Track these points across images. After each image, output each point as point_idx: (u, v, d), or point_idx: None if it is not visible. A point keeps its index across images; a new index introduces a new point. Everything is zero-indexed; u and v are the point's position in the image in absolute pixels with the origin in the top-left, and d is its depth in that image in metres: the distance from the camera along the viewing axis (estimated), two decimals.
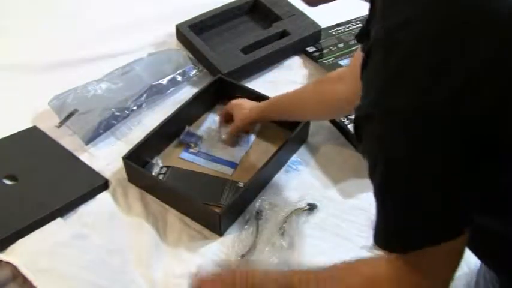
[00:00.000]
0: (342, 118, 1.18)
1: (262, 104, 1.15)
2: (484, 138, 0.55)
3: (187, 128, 1.20)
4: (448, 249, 0.61)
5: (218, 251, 1.00)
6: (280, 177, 1.13)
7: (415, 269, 0.63)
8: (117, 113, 1.21)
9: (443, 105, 0.54)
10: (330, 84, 1.05)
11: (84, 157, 1.15)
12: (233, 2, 1.50)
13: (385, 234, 0.64)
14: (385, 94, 0.57)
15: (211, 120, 1.25)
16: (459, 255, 0.63)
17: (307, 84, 1.28)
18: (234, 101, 1.19)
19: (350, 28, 1.49)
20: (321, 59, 1.38)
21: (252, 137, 1.21)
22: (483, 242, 0.72)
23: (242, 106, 1.17)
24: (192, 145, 1.18)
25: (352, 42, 1.43)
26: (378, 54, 0.58)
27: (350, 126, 1.17)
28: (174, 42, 1.44)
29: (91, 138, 1.18)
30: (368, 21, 0.71)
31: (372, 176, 0.62)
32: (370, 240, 0.97)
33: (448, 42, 0.54)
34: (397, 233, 0.63)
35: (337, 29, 1.49)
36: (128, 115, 1.23)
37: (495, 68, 0.53)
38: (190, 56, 1.39)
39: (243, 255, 0.98)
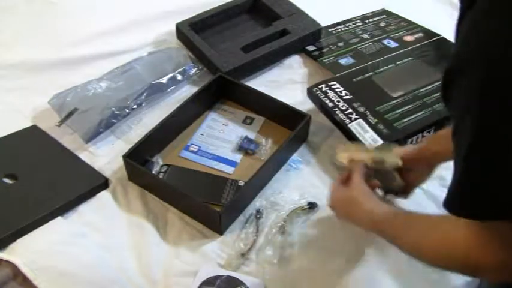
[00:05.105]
0: (342, 117, 1.18)
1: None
2: None
3: (245, 135, 1.18)
4: None
5: (218, 249, 1.00)
6: (281, 176, 1.13)
7: (492, 238, 0.63)
8: (117, 112, 1.21)
9: None
10: None
11: (84, 156, 1.15)
12: (233, 1, 1.50)
13: (462, 199, 0.63)
14: (487, 44, 0.55)
15: (210, 119, 1.25)
16: None
17: None
18: None
19: (350, 27, 1.49)
20: (321, 58, 1.38)
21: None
22: None
23: None
24: (250, 152, 1.15)
25: (352, 40, 1.43)
26: (482, 3, 0.56)
27: (350, 126, 1.16)
28: (174, 41, 1.44)
29: (91, 137, 1.18)
30: None
31: (458, 135, 0.61)
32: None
33: None
34: (474, 198, 0.61)
35: (337, 27, 1.49)
36: (128, 114, 1.23)
37: None
38: (191, 54, 1.39)
39: (243, 254, 0.98)
